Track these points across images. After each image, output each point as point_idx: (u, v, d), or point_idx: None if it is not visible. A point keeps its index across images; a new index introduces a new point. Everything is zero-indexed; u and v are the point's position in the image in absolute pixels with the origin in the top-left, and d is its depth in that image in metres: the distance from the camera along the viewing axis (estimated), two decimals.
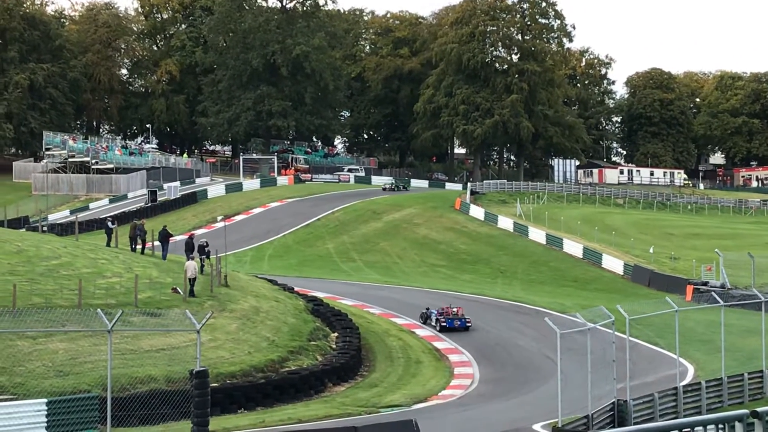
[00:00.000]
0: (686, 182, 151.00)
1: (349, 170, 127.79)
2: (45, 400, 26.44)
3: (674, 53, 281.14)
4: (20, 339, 31.17)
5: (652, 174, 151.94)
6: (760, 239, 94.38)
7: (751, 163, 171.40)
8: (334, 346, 42.17)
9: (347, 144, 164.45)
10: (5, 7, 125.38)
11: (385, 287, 64.44)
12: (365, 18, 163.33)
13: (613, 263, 77.56)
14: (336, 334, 43.92)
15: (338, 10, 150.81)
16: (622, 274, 75.77)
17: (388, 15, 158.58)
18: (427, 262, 79.06)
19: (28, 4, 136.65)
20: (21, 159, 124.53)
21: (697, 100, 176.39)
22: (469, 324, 49.18)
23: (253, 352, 37.51)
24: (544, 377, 39.03)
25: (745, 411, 7.06)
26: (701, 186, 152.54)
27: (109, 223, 55.47)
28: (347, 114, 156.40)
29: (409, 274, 73.52)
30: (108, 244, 52.63)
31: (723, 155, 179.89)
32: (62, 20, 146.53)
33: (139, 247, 51.56)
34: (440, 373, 41.40)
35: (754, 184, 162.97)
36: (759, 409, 7.18)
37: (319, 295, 54.01)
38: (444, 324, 48.62)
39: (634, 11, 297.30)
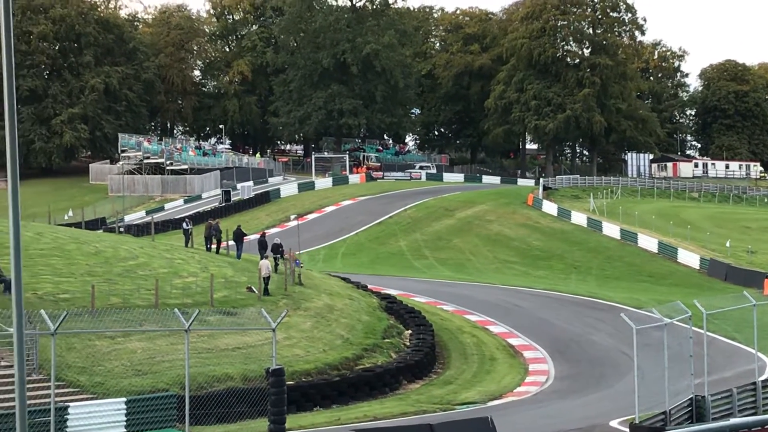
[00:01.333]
0: (762, 175, 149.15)
1: (421, 167, 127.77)
2: (124, 399, 26.74)
3: (748, 45, 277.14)
4: (99, 339, 31.60)
5: (727, 167, 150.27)
6: None
7: None
8: (408, 344, 42.23)
9: (418, 141, 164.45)
10: (80, 12, 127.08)
11: (458, 284, 64.34)
12: (435, 15, 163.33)
13: (689, 258, 76.82)
14: (410, 332, 43.98)
15: (408, 8, 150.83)
16: (698, 268, 75.03)
17: (458, 11, 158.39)
18: (500, 259, 78.84)
19: (102, 8, 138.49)
20: (97, 161, 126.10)
21: None
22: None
23: (327, 350, 37.70)
24: (620, 373, 38.77)
25: None
26: None
27: (185, 225, 56.04)
28: (418, 111, 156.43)
29: (482, 271, 73.35)
30: (186, 245, 53.21)
31: None
32: (135, 23, 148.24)
33: (214, 246, 52.05)
34: (515, 370, 41.26)
35: None
36: None
37: (393, 292, 54.09)
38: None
39: (706, 2, 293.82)
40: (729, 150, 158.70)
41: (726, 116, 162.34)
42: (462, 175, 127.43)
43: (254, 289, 41.98)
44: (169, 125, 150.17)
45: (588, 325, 50.07)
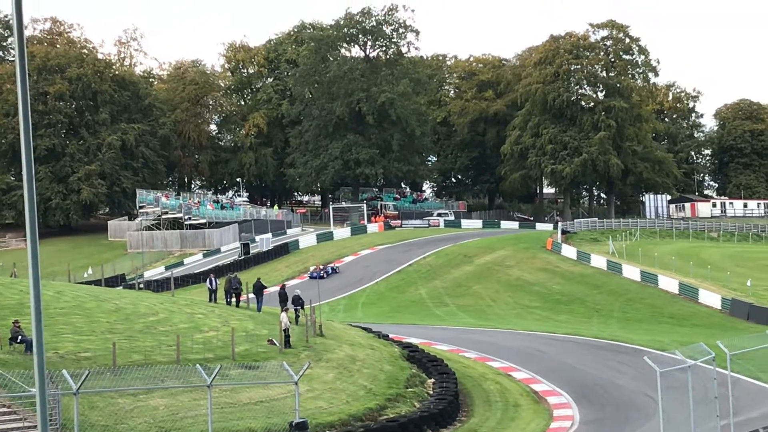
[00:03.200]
0: None
1: (439, 214, 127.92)
2: None
3: (763, 83, 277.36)
4: (121, 397, 31.57)
5: (745, 206, 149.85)
6: None
7: None
8: (431, 392, 42.03)
9: (435, 188, 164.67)
10: (96, 71, 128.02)
11: (480, 331, 64.18)
12: (448, 63, 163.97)
13: (711, 298, 76.44)
14: (432, 380, 43.79)
15: (421, 57, 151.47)
16: (719, 308, 74.63)
17: (471, 59, 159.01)
18: (521, 304, 78.67)
19: (117, 65, 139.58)
20: (115, 218, 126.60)
21: None
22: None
23: (350, 401, 37.55)
24: (646, 416, 38.50)
25: None
26: None
27: (209, 283, 55.79)
28: (434, 159, 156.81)
29: (503, 317, 73.16)
30: (210, 301, 53.14)
31: None
32: (151, 80, 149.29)
33: (234, 300, 52.07)
34: (539, 416, 41.01)
35: None
36: None
37: (414, 341, 53.95)
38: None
39: (718, 44, 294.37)
40: (747, 189, 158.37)
41: (743, 155, 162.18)
42: (480, 221, 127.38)
43: (275, 342, 41.93)
44: (186, 180, 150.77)
45: (611, 369, 49.80)
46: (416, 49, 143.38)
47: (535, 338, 59.69)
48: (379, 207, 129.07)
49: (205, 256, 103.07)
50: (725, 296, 75.64)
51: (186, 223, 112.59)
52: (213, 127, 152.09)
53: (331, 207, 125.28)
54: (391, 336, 53.34)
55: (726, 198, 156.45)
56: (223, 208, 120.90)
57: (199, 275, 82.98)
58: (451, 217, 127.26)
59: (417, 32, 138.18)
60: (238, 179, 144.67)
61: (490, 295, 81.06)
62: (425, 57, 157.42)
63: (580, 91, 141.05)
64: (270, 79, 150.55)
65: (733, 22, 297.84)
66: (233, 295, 52.13)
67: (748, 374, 44.21)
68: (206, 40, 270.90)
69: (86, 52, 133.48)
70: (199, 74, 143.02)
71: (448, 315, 73.58)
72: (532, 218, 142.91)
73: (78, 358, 34.65)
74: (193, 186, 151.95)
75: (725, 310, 73.82)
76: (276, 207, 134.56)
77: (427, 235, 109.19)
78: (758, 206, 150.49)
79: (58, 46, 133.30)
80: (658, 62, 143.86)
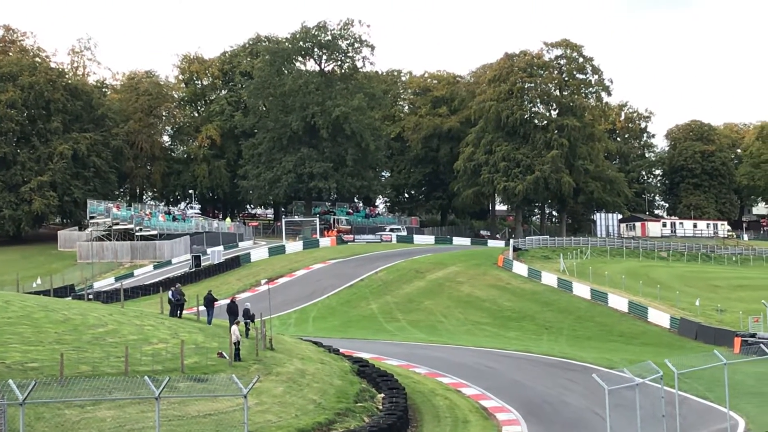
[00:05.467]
0: (730, 233, 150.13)
1: (391, 230, 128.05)
2: None
3: (713, 105, 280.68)
4: (68, 408, 31.25)
5: (695, 226, 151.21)
6: None
7: None
8: (380, 407, 41.94)
9: (388, 204, 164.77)
10: (48, 79, 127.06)
11: (430, 346, 64.22)
12: (403, 78, 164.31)
13: (660, 317, 77.03)
14: (382, 395, 43.71)
15: (376, 72, 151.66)
16: (668, 327, 75.24)
17: (426, 75, 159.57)
18: (472, 320, 78.82)
19: (70, 75, 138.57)
20: (66, 228, 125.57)
21: (739, 150, 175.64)
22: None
23: (300, 415, 37.40)
24: None
25: None
26: (745, 237, 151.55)
27: (171, 294, 55.06)
28: (388, 174, 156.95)
29: (453, 333, 73.25)
30: (171, 315, 52.29)
31: (766, 205, 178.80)
32: (104, 90, 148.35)
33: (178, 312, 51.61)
34: None
35: None
36: None
37: (365, 356, 53.87)
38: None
39: (670, 65, 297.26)
40: (696, 209, 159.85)
41: (693, 176, 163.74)
42: (432, 237, 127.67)
43: (225, 355, 41.72)
44: (138, 191, 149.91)
45: (561, 386, 49.95)
46: (371, 64, 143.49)
47: (485, 354, 59.81)
48: (331, 221, 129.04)
49: (155, 267, 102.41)
50: (674, 315, 76.26)
51: (137, 234, 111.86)
52: (166, 138, 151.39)
53: (283, 220, 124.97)
54: (341, 351, 53.22)
55: (676, 218, 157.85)
56: (174, 219, 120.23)
57: (150, 287, 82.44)
58: (404, 233, 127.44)
59: (372, 47, 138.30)
60: (190, 191, 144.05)
61: (441, 311, 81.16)
62: (380, 72, 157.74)
63: (533, 109, 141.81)
64: (224, 91, 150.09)
65: (685, 45, 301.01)
66: (177, 306, 51.67)
67: (696, 393, 44.54)
68: (160, 51, 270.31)
69: (39, 60, 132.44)
70: (153, 85, 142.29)
71: (398, 330, 73.57)
72: (488, 234, 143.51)
73: (25, 369, 34.28)
74: (144, 197, 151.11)
75: (674, 330, 74.42)
76: (228, 219, 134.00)
77: (379, 250, 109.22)
78: (708, 227, 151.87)
79: (10, 54, 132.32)
80: (611, 82, 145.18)
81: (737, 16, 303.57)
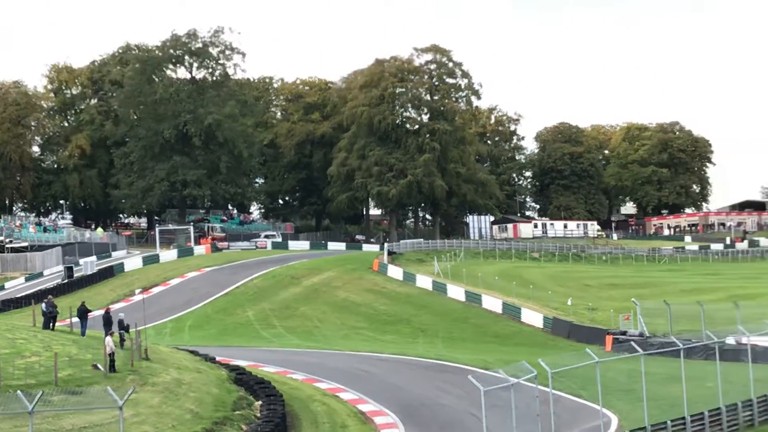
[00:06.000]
0: (600, 233, 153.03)
1: (266, 236, 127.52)
2: None
3: (580, 107, 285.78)
4: None
5: (565, 226, 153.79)
6: (674, 286, 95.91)
7: (662, 211, 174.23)
8: (258, 415, 41.80)
9: (263, 210, 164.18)
10: None
11: (307, 352, 64.12)
12: (275, 85, 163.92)
13: (533, 317, 78.10)
14: (260, 403, 43.58)
15: (248, 79, 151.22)
16: (542, 327, 76.30)
17: (298, 81, 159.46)
18: (348, 325, 78.95)
19: None
20: None
21: (606, 152, 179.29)
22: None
23: (177, 425, 37.09)
24: None
25: None
26: (614, 236, 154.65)
27: (45, 306, 53.89)
28: (262, 181, 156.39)
29: (330, 338, 73.26)
30: (45, 327, 51.22)
31: (634, 205, 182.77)
32: None
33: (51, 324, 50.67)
34: None
35: (666, 232, 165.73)
36: None
37: (242, 363, 53.56)
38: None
39: (538, 68, 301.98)
40: (567, 210, 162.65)
41: (562, 177, 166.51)
42: (308, 243, 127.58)
43: (100, 367, 41.16)
44: (7, 202, 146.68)
45: (437, 388, 50.32)
46: (243, 71, 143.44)
47: (362, 359, 59.97)
48: (206, 229, 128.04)
49: (27, 279, 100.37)
50: (547, 315, 77.38)
51: (7, 246, 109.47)
52: (36, 148, 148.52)
53: (157, 229, 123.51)
54: (218, 359, 52.89)
55: (547, 219, 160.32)
56: (45, 230, 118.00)
57: (21, 299, 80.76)
58: (279, 239, 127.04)
59: (243, 54, 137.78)
60: (61, 201, 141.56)
61: (318, 317, 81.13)
62: (252, 79, 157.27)
63: (405, 113, 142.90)
64: (94, 100, 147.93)
65: (551, 48, 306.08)
66: (50, 318, 50.74)
67: (570, 391, 45.30)
68: (29, 60, 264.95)
69: None
70: (21, 95, 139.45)
71: (275, 337, 73.32)
72: (363, 239, 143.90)
73: None
74: (14, 209, 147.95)
75: (547, 329, 75.50)
76: (101, 229, 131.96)
77: (254, 257, 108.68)
78: (578, 227, 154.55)
79: None
80: (481, 86, 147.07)
81: (602, 20, 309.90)
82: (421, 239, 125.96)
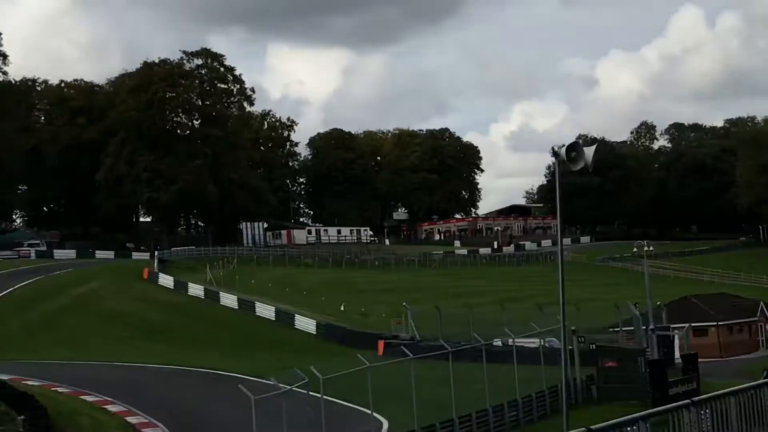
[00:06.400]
0: (373, 239, 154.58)
1: (30, 245, 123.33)
2: None
3: (351, 114, 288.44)
4: None
5: (339, 232, 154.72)
6: (444, 291, 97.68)
7: (433, 216, 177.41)
8: (21, 430, 40.08)
9: (27, 218, 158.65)
10: None
11: (74, 364, 62.31)
12: (38, 88, 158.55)
13: (306, 323, 78.15)
14: (22, 417, 41.76)
15: (9, 81, 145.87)
16: (315, 333, 76.37)
17: (62, 84, 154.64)
18: (118, 335, 77.11)
19: None
20: None
21: (378, 158, 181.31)
22: None
23: None
24: None
25: None
26: (387, 242, 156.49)
27: None
28: (25, 188, 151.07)
29: (98, 349, 71.23)
30: None
31: (406, 210, 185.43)
32: None
33: None
34: None
35: (437, 237, 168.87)
36: None
37: (3, 377, 51.37)
38: None
39: (313, 73, 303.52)
40: (340, 216, 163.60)
41: (336, 183, 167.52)
42: (74, 251, 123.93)
43: None
44: None
45: (209, 398, 49.60)
46: (4, 74, 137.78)
47: (131, 370, 58.64)
48: None
49: None
50: (320, 321, 77.55)
51: None
52: None
53: None
54: None
55: (321, 225, 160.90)
56: None
57: None
58: (44, 248, 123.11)
59: (5, 56, 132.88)
60: None
61: (86, 328, 78.94)
62: (13, 81, 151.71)
63: (175, 119, 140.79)
64: None
65: (315, 56, 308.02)
66: None
67: (341, 397, 45.12)
68: None
69: None
70: None
71: (40, 349, 70.79)
72: (133, 247, 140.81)
73: None
74: None
75: (320, 335, 75.61)
76: None
77: (17, 267, 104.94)
78: (351, 232, 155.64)
79: None
80: (253, 91, 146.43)
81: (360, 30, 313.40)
82: (194, 246, 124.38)
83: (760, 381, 12.63)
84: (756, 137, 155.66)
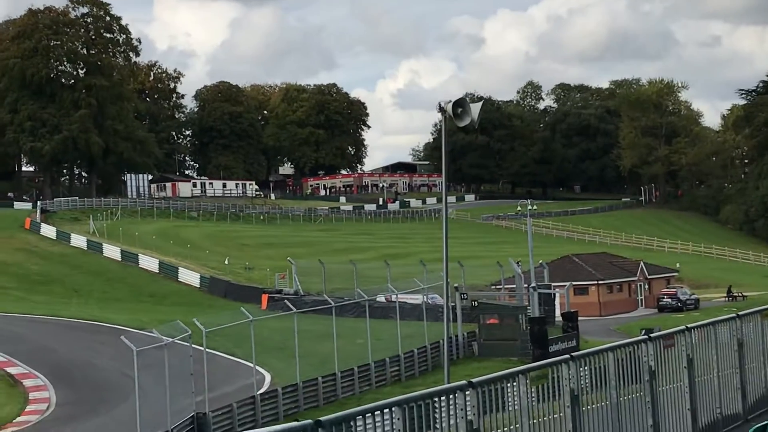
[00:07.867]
0: (258, 193, 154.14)
1: None
2: None
3: (240, 67, 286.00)
4: None
5: (224, 186, 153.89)
6: (329, 246, 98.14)
7: (319, 172, 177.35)
8: None
9: None
10: None
11: None
12: None
13: (190, 276, 78.02)
14: None
15: None
16: (198, 286, 76.37)
17: None
18: None
19: None
20: None
21: (265, 112, 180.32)
22: None
23: None
24: (124, 396, 38.40)
25: (309, 422, 7.25)
26: (272, 196, 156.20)
27: None
28: None
29: None
30: None
31: (292, 165, 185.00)
32: None
33: None
34: (14, 400, 39.94)
35: (322, 192, 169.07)
36: (322, 419, 7.37)
37: None
38: None
39: (200, 25, 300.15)
40: (226, 169, 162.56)
41: (222, 136, 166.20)
42: None
43: None
44: None
45: (90, 350, 49.46)
46: None
47: (11, 320, 58.04)
48: None
49: None
50: (204, 274, 77.52)
51: None
52: None
53: None
54: None
55: (206, 178, 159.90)
56: None
57: None
58: None
59: None
60: None
61: None
62: None
63: (60, 67, 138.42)
64: None
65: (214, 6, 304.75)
66: None
67: (225, 350, 45.50)
68: None
69: None
70: None
71: None
72: (15, 196, 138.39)
73: None
74: None
75: (204, 288, 75.67)
76: None
77: None
78: (237, 186, 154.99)
79: None
80: (140, 42, 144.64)
81: None
82: (77, 197, 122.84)
83: (638, 338, 13.27)
84: (640, 99, 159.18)
